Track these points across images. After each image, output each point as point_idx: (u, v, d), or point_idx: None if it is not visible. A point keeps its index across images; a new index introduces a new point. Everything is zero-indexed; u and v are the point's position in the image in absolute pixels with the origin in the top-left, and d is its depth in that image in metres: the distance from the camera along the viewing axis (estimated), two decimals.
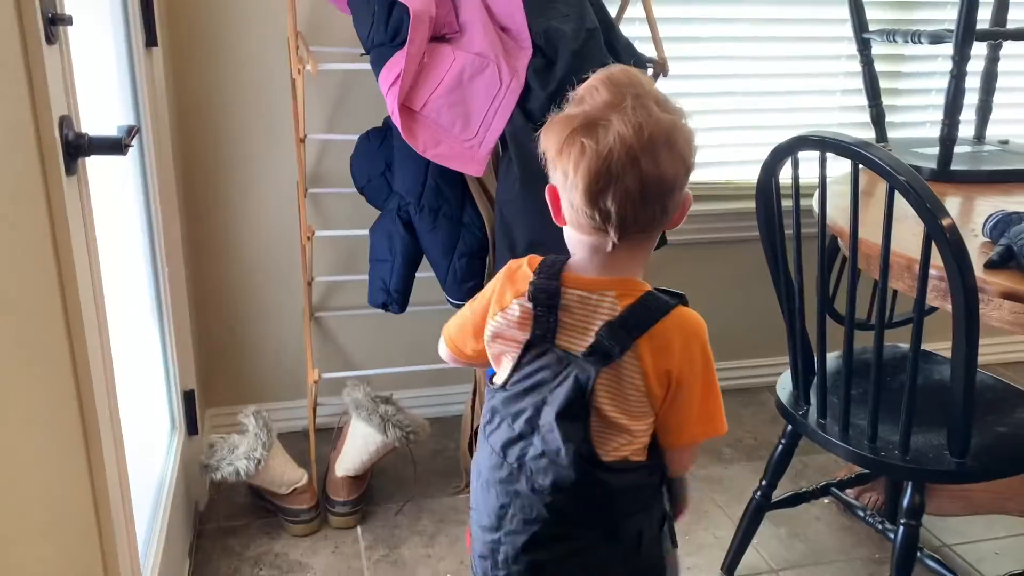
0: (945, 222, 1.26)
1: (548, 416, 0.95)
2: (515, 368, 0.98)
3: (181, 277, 1.85)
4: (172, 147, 1.82)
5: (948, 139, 1.90)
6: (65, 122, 0.98)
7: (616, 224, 0.90)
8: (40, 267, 0.91)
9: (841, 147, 1.35)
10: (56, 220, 0.96)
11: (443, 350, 1.14)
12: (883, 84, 2.26)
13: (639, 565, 1.01)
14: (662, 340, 0.94)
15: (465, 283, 1.90)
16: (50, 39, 0.94)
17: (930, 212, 1.26)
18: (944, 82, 1.90)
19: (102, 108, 1.38)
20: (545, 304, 0.96)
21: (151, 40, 1.66)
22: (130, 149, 1.05)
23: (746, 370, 2.63)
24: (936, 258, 1.30)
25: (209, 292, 2.15)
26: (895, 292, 2.03)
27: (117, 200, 1.47)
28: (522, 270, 1.01)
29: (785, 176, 1.48)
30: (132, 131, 1.06)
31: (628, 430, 0.96)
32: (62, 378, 0.97)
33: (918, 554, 1.63)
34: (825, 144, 1.38)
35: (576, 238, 0.97)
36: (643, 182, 0.89)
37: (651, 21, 1.91)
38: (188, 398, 1.90)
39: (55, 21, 0.95)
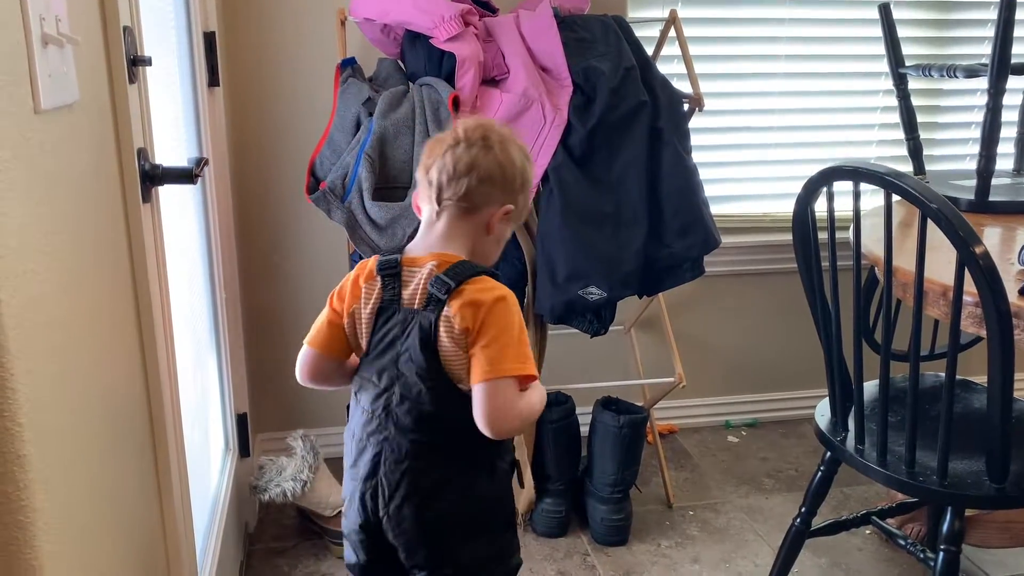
0: (978, 249, 1.29)
1: (405, 364, 1.13)
2: (372, 333, 1.16)
3: (237, 304, 1.94)
4: (230, 181, 1.92)
5: (985, 171, 1.92)
6: (142, 154, 1.07)
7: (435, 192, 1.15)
8: (119, 283, 0.99)
9: (873, 176, 1.39)
10: (133, 242, 1.05)
11: (299, 363, 1.24)
12: (922, 118, 2.29)
13: (496, 492, 1.20)
14: (468, 296, 1.10)
15: None
16: (132, 78, 1.03)
17: (962, 239, 1.28)
18: (982, 116, 1.93)
19: (170, 144, 1.48)
20: (389, 274, 1.15)
21: (214, 80, 1.77)
22: (198, 179, 1.14)
23: (786, 402, 2.63)
24: (970, 285, 1.32)
25: (261, 319, 2.24)
26: (936, 323, 2.04)
27: (183, 229, 1.56)
28: (368, 266, 1.19)
29: (821, 208, 1.52)
30: (202, 162, 1.15)
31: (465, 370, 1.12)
32: (134, 385, 1.04)
33: None
34: (858, 174, 1.42)
35: (421, 219, 1.21)
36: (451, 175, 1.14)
37: (687, 59, 1.98)
38: (241, 421, 1.98)
39: (136, 62, 1.05)
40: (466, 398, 1.11)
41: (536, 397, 1.14)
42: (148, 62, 1.07)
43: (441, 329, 1.10)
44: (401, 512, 1.15)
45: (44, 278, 0.70)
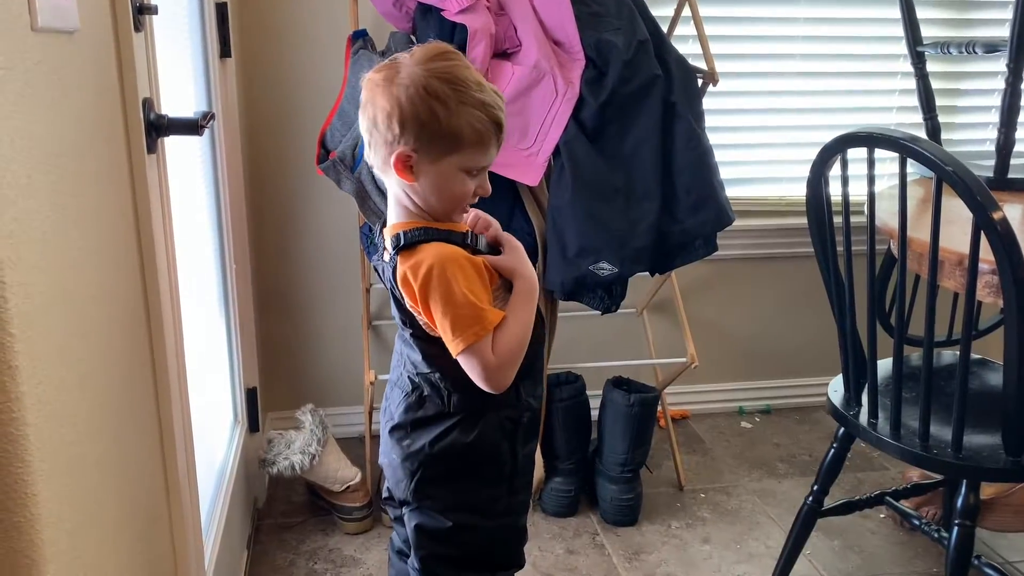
0: (995, 215, 1.26)
1: (394, 311, 1.19)
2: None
3: (247, 277, 1.94)
4: (241, 152, 1.92)
5: (1005, 148, 1.89)
6: (147, 103, 1.07)
7: None
8: (123, 227, 0.99)
9: (889, 141, 1.36)
10: (138, 194, 1.04)
11: None
12: (941, 102, 2.26)
13: (480, 442, 1.19)
14: (401, 273, 1.11)
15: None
16: (137, 27, 1.03)
17: (979, 203, 1.26)
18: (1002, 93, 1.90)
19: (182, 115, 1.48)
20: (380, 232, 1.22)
21: (225, 52, 1.77)
22: (205, 131, 1.14)
23: (800, 388, 2.60)
24: (987, 253, 1.30)
25: (272, 297, 2.25)
26: (953, 309, 2.01)
27: (193, 198, 1.56)
28: None
29: (836, 192, 1.49)
30: (207, 115, 1.14)
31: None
32: (138, 332, 1.03)
33: (976, 562, 1.60)
34: (873, 139, 1.39)
35: None
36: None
37: (701, 35, 1.95)
38: (251, 395, 1.98)
39: (142, 10, 1.04)
40: (444, 346, 1.12)
41: (509, 335, 1.12)
42: (154, 10, 1.07)
43: (402, 293, 1.14)
44: (390, 440, 1.23)
45: (42, 193, 0.69)
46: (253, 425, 2.00)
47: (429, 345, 1.15)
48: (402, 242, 1.11)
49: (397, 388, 1.23)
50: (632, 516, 2.01)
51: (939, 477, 1.86)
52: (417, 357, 1.17)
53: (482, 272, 1.12)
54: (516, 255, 1.19)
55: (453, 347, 1.09)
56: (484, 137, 1.09)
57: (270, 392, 2.28)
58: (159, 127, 1.08)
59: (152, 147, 1.08)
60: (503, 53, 1.90)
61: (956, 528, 1.44)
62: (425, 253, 1.10)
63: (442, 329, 1.09)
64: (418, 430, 1.19)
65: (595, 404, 2.09)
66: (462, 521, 1.22)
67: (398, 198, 1.15)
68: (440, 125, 1.06)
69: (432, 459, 1.19)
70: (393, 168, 1.09)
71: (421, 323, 1.14)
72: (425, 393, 1.19)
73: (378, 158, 1.11)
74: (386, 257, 1.17)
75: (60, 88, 0.75)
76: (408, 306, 1.14)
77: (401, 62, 1.09)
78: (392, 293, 1.16)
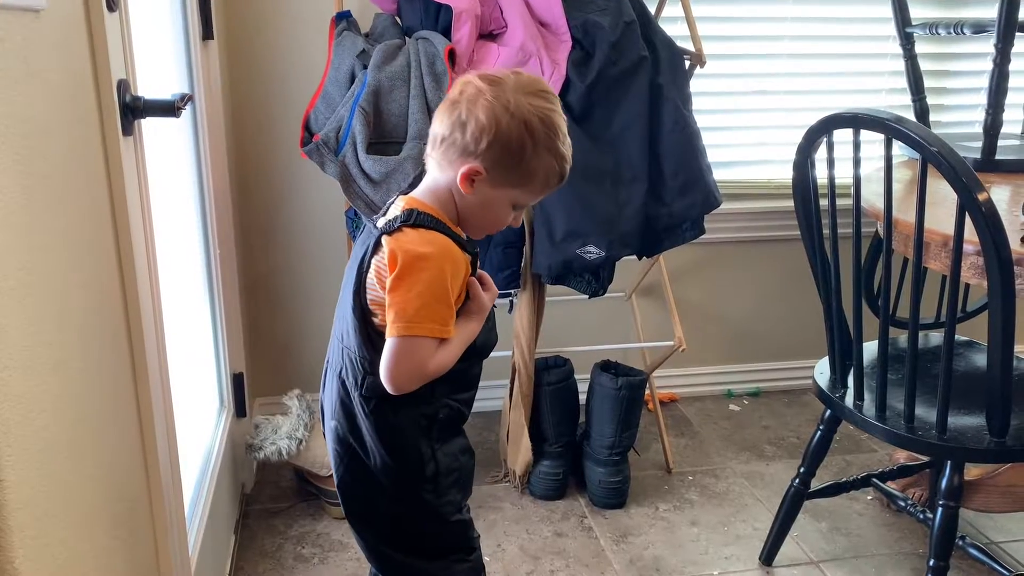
0: (980, 195, 1.26)
1: (348, 271, 1.16)
2: None
3: (232, 262, 1.92)
4: (225, 136, 1.90)
5: (992, 128, 1.89)
6: (123, 85, 1.05)
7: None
8: (97, 213, 0.97)
9: (874, 122, 1.36)
10: (113, 177, 1.03)
11: None
12: (930, 83, 2.25)
13: (397, 440, 1.17)
14: (398, 240, 1.09)
15: (501, 272, 1.93)
16: (111, 6, 1.01)
17: (964, 184, 1.25)
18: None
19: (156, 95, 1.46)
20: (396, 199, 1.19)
21: (208, 33, 1.74)
22: (182, 113, 1.12)
23: (790, 371, 2.61)
24: (972, 234, 1.29)
25: (258, 282, 2.23)
26: (940, 295, 2.01)
27: (175, 181, 1.55)
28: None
29: (822, 175, 1.49)
30: (185, 97, 1.12)
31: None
32: (115, 318, 1.02)
33: (961, 542, 1.61)
34: (858, 120, 1.39)
35: None
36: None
37: (688, 14, 1.94)
38: (237, 380, 1.97)
39: None
40: (377, 333, 1.11)
41: (449, 356, 1.11)
42: None
43: (375, 256, 1.11)
44: (329, 426, 1.22)
45: (9, 174, 0.68)
46: (240, 410, 2.00)
47: (371, 327, 1.12)
48: (413, 219, 1.09)
49: (329, 369, 1.22)
50: (620, 499, 2.02)
51: (926, 459, 1.87)
52: (350, 322, 1.14)
53: (462, 289, 1.13)
54: (493, 298, 1.19)
55: (400, 327, 1.06)
56: (549, 185, 1.13)
57: (257, 377, 2.27)
58: (135, 109, 1.07)
59: (128, 129, 1.06)
60: (488, 34, 1.88)
61: (940, 509, 1.45)
62: (438, 240, 1.09)
63: (401, 304, 1.06)
64: (340, 415, 1.18)
65: (583, 388, 2.09)
66: (387, 512, 1.21)
67: (439, 186, 1.13)
68: (520, 161, 1.08)
69: (353, 449, 1.18)
70: (458, 177, 1.09)
71: (372, 295, 1.12)
72: (342, 372, 1.17)
73: (444, 156, 1.10)
74: (381, 223, 1.13)
75: (25, 68, 0.74)
76: (375, 263, 1.10)
77: (506, 82, 1.08)
78: (363, 254, 1.13)
